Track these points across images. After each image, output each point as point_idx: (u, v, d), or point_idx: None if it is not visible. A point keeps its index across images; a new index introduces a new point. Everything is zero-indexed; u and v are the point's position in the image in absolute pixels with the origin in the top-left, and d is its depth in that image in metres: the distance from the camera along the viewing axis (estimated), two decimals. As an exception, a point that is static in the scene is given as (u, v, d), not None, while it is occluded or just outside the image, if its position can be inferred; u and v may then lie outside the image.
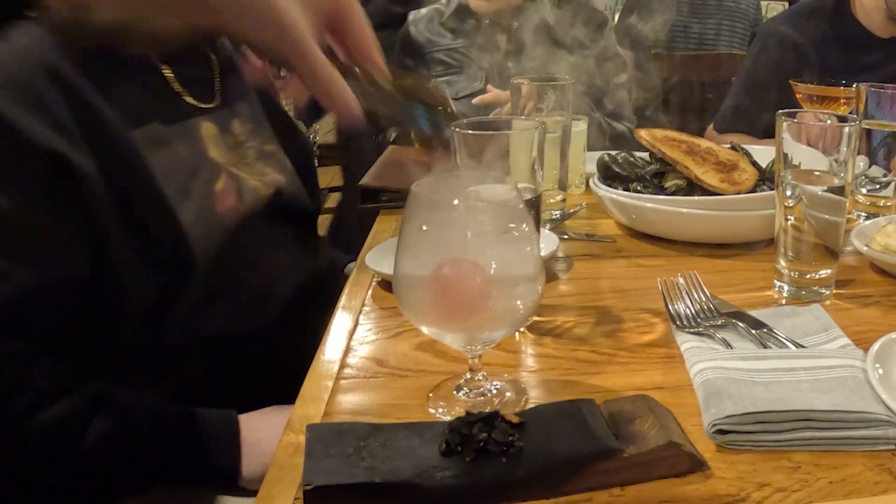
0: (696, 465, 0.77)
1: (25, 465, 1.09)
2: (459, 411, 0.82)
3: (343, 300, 1.23)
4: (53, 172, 1.07)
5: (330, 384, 0.98)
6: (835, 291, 1.17)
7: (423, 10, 2.73)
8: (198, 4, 0.77)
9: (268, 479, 0.81)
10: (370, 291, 1.25)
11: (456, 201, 0.82)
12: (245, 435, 1.19)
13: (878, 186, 1.50)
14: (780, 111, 1.14)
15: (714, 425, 0.81)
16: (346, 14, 0.82)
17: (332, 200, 4.71)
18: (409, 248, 0.84)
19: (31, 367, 1.08)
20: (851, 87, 1.65)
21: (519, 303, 0.85)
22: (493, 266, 0.83)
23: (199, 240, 1.20)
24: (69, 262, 1.11)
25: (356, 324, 1.14)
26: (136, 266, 1.15)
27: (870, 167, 1.51)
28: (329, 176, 4.94)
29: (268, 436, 1.14)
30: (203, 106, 1.32)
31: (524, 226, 0.84)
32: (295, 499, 0.77)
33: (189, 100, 1.30)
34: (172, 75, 1.28)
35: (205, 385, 1.25)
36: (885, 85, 1.50)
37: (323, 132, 4.69)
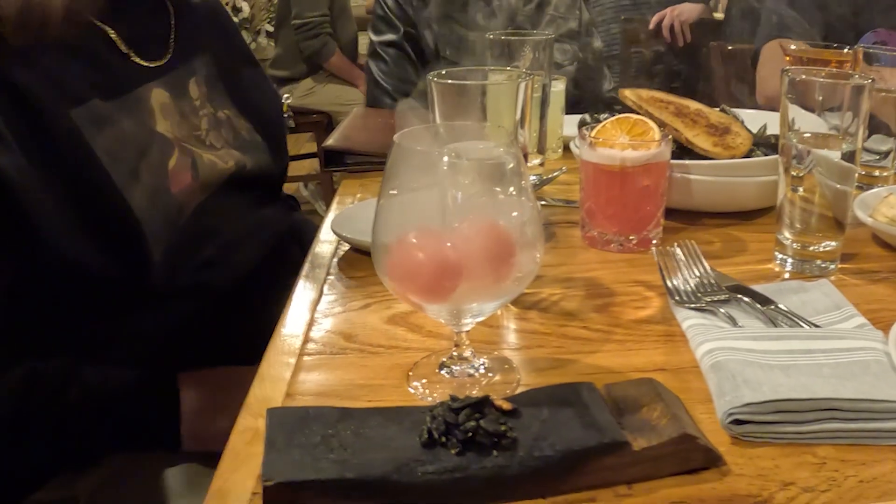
0: (711, 460, 0.69)
1: None
2: (443, 393, 0.73)
3: (305, 269, 1.13)
4: None
5: (292, 361, 0.88)
6: (839, 266, 1.08)
7: None
8: None
9: (221, 471, 0.71)
10: (335, 259, 1.15)
11: (446, 158, 0.72)
12: (185, 404, 1.12)
13: (877, 157, 1.42)
14: (785, 68, 1.05)
15: (730, 414, 0.72)
16: None
17: (305, 168, 4.62)
18: (393, 210, 0.74)
19: None
20: (844, 49, 1.55)
21: (516, 269, 0.75)
22: (489, 229, 0.73)
23: (150, 224, 1.08)
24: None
25: (320, 294, 1.04)
26: (92, 255, 1.04)
27: (869, 137, 1.43)
28: (301, 142, 4.86)
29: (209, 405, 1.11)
30: (154, 65, 1.21)
31: (522, 184, 0.74)
32: (253, 493, 0.68)
33: (138, 60, 1.18)
34: (116, 35, 1.15)
35: (168, 344, 1.16)
36: (883, 47, 1.42)
37: (298, 94, 4.55)
